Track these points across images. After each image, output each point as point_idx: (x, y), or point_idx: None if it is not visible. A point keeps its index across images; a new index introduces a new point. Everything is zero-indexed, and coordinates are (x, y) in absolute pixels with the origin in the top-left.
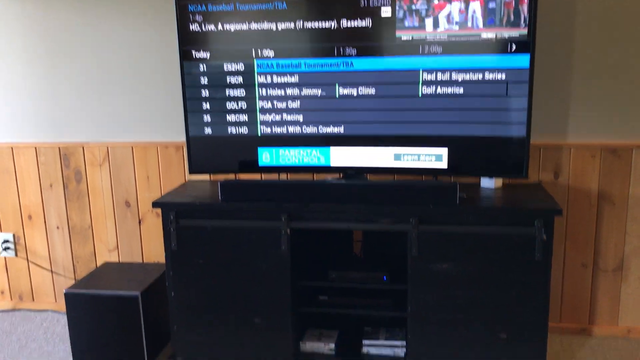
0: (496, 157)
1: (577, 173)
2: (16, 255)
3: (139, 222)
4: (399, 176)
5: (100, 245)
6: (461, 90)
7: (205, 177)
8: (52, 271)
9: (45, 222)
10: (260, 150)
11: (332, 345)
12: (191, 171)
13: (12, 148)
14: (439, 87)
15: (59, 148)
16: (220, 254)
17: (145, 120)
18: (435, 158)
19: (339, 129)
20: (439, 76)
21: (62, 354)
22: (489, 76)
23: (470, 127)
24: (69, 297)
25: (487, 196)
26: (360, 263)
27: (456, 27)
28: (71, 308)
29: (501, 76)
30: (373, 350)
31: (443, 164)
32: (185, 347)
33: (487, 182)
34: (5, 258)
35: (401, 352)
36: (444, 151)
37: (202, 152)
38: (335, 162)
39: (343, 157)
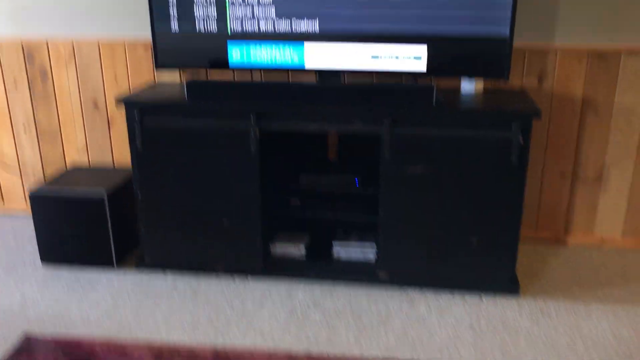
0: (477, 57)
1: (562, 79)
2: None
3: (108, 124)
4: (378, 80)
5: (69, 147)
6: None
7: (175, 78)
8: (21, 174)
9: (11, 123)
10: (230, 46)
11: (303, 248)
12: (157, 65)
13: None
14: None
15: (22, 44)
16: (188, 155)
17: (112, 12)
18: (414, 58)
19: (314, 24)
20: None
21: (29, 254)
22: None
23: (451, 25)
24: (34, 199)
25: (466, 100)
26: (333, 168)
27: None
28: (37, 210)
29: None
30: (344, 254)
31: (422, 66)
32: (153, 249)
33: (467, 87)
34: None
35: (372, 255)
36: (423, 50)
37: (170, 48)
38: (310, 63)
39: (318, 57)
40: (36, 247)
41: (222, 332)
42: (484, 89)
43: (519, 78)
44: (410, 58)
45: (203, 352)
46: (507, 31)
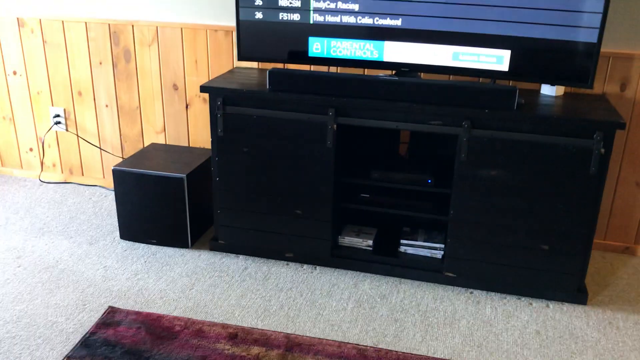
0: (561, 63)
1: None
2: (67, 129)
3: (186, 106)
4: (455, 77)
5: (147, 126)
6: None
7: (253, 64)
8: (100, 148)
9: (94, 99)
10: (311, 39)
11: (370, 242)
12: (240, 58)
13: (62, 22)
14: None
15: (109, 25)
16: (266, 143)
17: (196, 1)
18: (496, 60)
19: (396, 22)
20: None
21: (109, 227)
22: None
23: (537, 29)
24: (117, 174)
25: (547, 104)
26: (404, 164)
27: None
28: (119, 184)
29: None
30: (410, 250)
31: (504, 67)
32: (227, 231)
33: (547, 90)
34: (56, 132)
35: (439, 254)
36: (506, 53)
37: (251, 38)
38: (388, 57)
39: (398, 52)
40: (115, 220)
41: (293, 319)
42: (565, 92)
43: (601, 84)
44: (493, 60)
45: (276, 338)
46: (595, 38)
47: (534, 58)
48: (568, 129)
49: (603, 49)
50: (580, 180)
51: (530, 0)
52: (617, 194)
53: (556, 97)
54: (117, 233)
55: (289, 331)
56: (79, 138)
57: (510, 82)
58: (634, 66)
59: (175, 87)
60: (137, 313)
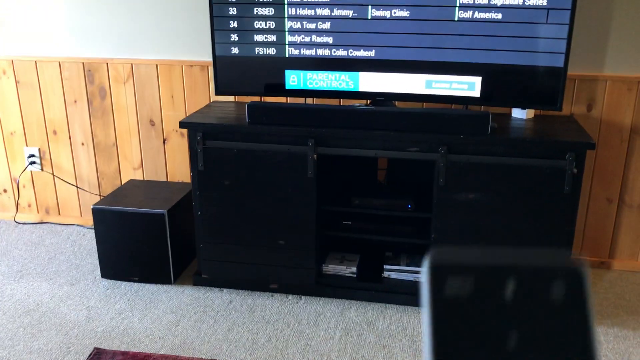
0: (530, 87)
1: (611, 106)
2: (42, 169)
3: (164, 141)
4: (429, 104)
5: (125, 162)
6: (499, 16)
7: (230, 98)
8: (77, 186)
9: (70, 137)
10: (287, 72)
11: (354, 269)
12: (217, 92)
13: (36, 62)
14: (476, 11)
15: (83, 63)
16: (247, 176)
17: (170, 38)
18: (468, 86)
19: (370, 53)
20: (477, 0)
21: (89, 266)
22: (529, 2)
23: (506, 55)
24: (97, 213)
25: (518, 127)
26: (384, 190)
27: None
28: (99, 223)
29: (542, 2)
30: (394, 275)
31: (475, 93)
32: (210, 264)
33: (518, 113)
34: (31, 172)
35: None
36: (477, 79)
37: (228, 72)
38: (364, 87)
39: (372, 82)
40: (95, 259)
41: (282, 351)
42: (535, 114)
43: (569, 105)
44: (464, 86)
45: None
46: (561, 62)
47: (504, 84)
48: (541, 151)
49: (569, 72)
50: (555, 199)
51: (498, 28)
52: (590, 211)
53: (527, 119)
54: (98, 272)
55: None
56: (55, 177)
57: (482, 107)
58: (598, 87)
59: (152, 123)
60: (124, 353)
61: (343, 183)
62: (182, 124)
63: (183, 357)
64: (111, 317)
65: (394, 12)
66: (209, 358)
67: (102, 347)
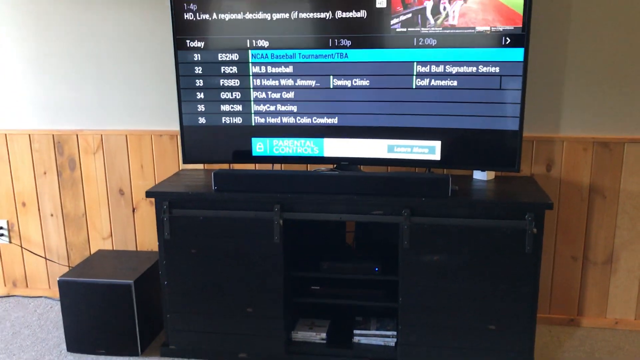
0: (489, 150)
1: (569, 166)
2: (10, 241)
3: (133, 211)
4: (392, 168)
5: (94, 233)
6: (455, 83)
7: (199, 166)
8: (46, 258)
9: (39, 209)
10: (254, 140)
11: (324, 335)
12: (185, 161)
13: (5, 135)
14: (432, 79)
15: (53, 135)
16: (213, 243)
17: (139, 109)
18: (428, 150)
19: (333, 120)
20: (433, 68)
21: (55, 340)
22: (483, 69)
23: (463, 120)
24: (63, 285)
25: (479, 188)
26: (351, 254)
27: (451, 20)
28: (65, 295)
29: (495, 69)
30: (364, 340)
31: (436, 156)
32: (178, 334)
33: (479, 174)
34: None
35: (392, 342)
36: (436, 144)
37: (196, 141)
38: (328, 152)
39: (337, 148)
40: (61, 332)
41: None
42: (495, 176)
43: (528, 166)
44: (425, 150)
45: None
46: (517, 126)
47: (463, 147)
48: (501, 212)
49: (527, 134)
50: (517, 259)
51: (454, 95)
52: (556, 269)
53: (488, 181)
54: (64, 346)
55: None
56: (23, 249)
57: (444, 170)
58: (555, 148)
59: (121, 192)
60: None
61: (311, 248)
62: (149, 194)
63: None
64: None
65: (355, 82)
66: None
67: None
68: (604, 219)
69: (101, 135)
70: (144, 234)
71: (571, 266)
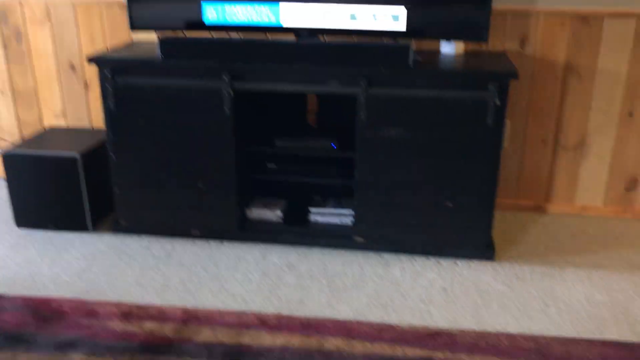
0: (456, 18)
1: (544, 42)
2: None
3: (85, 86)
4: (359, 39)
5: (46, 110)
6: None
7: (152, 37)
8: None
9: None
10: (204, 4)
11: (279, 212)
12: (132, 27)
13: None
14: None
15: None
16: (161, 115)
17: None
18: (392, 18)
19: None
20: None
21: (4, 216)
22: None
23: None
24: (7, 159)
25: (444, 61)
26: (310, 131)
27: None
28: (10, 170)
29: None
30: (320, 219)
31: (401, 26)
32: (129, 211)
33: (447, 48)
34: None
35: (348, 220)
36: (401, 10)
37: (144, 7)
38: (286, 21)
39: (295, 16)
40: (11, 209)
41: (194, 293)
42: (465, 51)
43: (501, 41)
44: (389, 18)
45: (172, 312)
46: None
47: (430, 15)
48: (462, 82)
49: (500, 6)
50: (478, 133)
51: None
52: (525, 154)
53: (457, 55)
54: (13, 221)
55: (188, 305)
56: None
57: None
58: (531, 22)
59: (72, 67)
60: (25, 299)
61: (269, 125)
62: (90, 59)
63: (87, 300)
64: (18, 263)
65: None
66: (115, 301)
67: (2, 293)
68: (578, 100)
69: (46, 3)
70: (98, 112)
71: (541, 150)
